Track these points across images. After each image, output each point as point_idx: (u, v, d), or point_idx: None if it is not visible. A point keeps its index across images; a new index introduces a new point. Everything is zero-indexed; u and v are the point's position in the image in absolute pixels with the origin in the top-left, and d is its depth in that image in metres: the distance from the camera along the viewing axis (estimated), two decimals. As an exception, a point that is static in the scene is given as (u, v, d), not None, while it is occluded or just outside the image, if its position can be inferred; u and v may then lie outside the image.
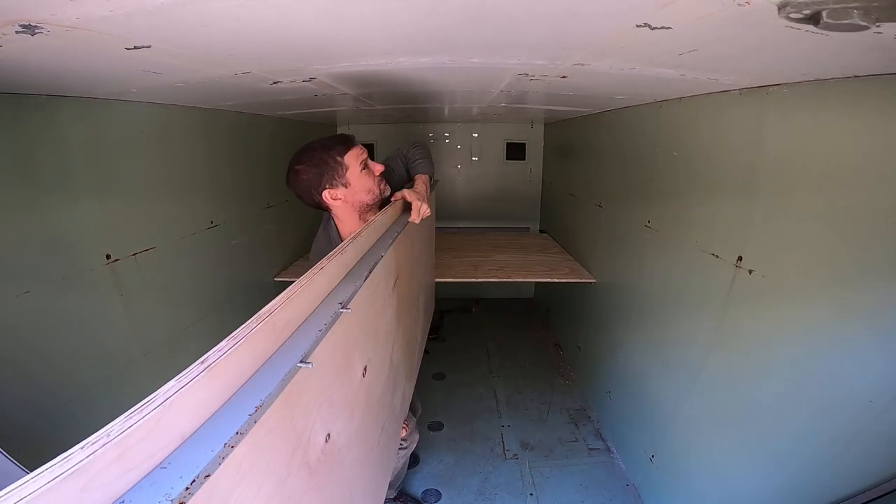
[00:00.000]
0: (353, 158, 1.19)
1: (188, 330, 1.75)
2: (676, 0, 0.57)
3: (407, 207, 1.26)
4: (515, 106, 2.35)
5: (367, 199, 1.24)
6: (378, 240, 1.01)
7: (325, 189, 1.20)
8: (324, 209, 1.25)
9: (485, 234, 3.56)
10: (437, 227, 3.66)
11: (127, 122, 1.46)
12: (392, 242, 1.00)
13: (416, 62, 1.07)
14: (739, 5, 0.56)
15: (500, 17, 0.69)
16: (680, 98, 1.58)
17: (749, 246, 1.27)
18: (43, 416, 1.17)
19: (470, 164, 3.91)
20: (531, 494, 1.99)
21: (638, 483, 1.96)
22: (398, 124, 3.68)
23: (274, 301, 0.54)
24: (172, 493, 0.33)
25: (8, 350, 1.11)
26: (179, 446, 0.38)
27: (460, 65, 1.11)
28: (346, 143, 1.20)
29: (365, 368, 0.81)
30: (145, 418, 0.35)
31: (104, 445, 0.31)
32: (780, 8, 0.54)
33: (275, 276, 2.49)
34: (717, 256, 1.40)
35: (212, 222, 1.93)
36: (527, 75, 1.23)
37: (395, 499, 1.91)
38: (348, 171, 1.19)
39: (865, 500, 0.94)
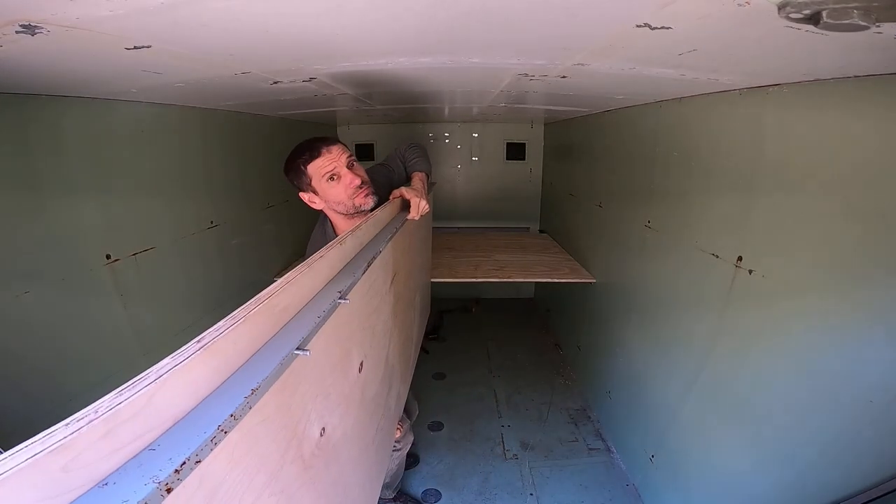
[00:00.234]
0: (315, 170, 1.14)
1: (188, 330, 1.74)
2: (676, 0, 0.57)
3: (405, 205, 1.26)
4: (515, 106, 2.35)
5: (339, 209, 1.20)
6: (376, 235, 1.01)
7: (300, 192, 1.20)
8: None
9: (485, 234, 3.56)
10: (437, 227, 3.68)
11: (127, 122, 1.46)
12: (390, 238, 1.00)
13: (416, 62, 1.07)
14: (739, 5, 0.56)
15: (500, 17, 0.69)
16: (680, 98, 1.58)
17: (749, 246, 1.27)
18: (43, 416, 1.16)
19: (470, 164, 3.91)
20: (531, 494, 1.99)
21: (638, 483, 1.96)
22: (398, 124, 3.68)
23: (273, 285, 0.54)
24: (160, 475, 0.31)
25: (8, 350, 1.11)
26: (171, 428, 0.36)
27: (460, 65, 1.11)
28: (314, 151, 1.14)
29: (361, 364, 0.81)
30: (135, 396, 0.33)
31: (90, 423, 0.29)
32: (780, 8, 0.54)
33: (275, 276, 2.49)
34: (717, 256, 1.40)
35: (212, 222, 1.93)
36: (527, 75, 1.23)
37: (394, 499, 1.91)
38: (312, 181, 1.16)
39: (865, 500, 0.94)
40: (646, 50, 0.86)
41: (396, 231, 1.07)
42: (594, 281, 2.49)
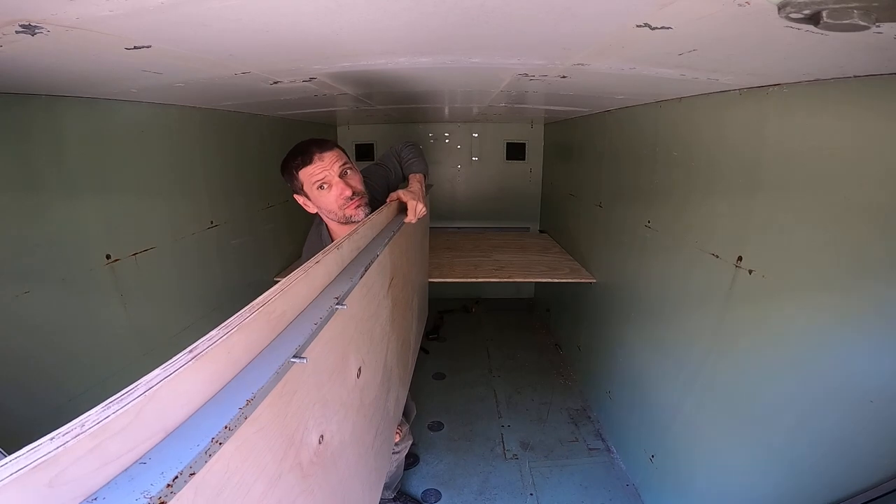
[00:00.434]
0: (307, 177, 1.12)
1: (188, 330, 1.74)
2: (676, 0, 0.57)
3: (402, 208, 1.25)
4: (515, 106, 2.35)
5: (330, 217, 1.19)
6: (374, 239, 1.00)
7: (294, 195, 1.19)
8: None
9: (485, 234, 3.56)
10: (436, 227, 3.68)
11: (127, 122, 1.46)
12: (387, 243, 0.99)
13: (416, 62, 1.07)
14: (739, 5, 0.56)
15: (500, 17, 0.69)
16: (680, 98, 1.58)
17: (749, 246, 1.27)
18: (43, 416, 1.16)
19: (470, 164, 3.91)
20: (531, 494, 1.99)
21: (638, 483, 1.96)
22: (398, 124, 3.68)
23: (269, 291, 0.53)
24: (152, 490, 0.30)
25: (8, 350, 1.11)
26: (162, 440, 0.35)
27: (460, 65, 1.11)
28: (306, 157, 1.11)
29: (359, 370, 0.80)
30: (125, 408, 0.32)
31: (77, 436, 0.28)
32: (780, 8, 0.54)
33: (275, 276, 2.49)
34: (717, 256, 1.40)
35: (212, 222, 1.93)
36: (527, 75, 1.23)
37: (394, 499, 1.91)
38: (304, 187, 1.15)
39: (865, 500, 0.94)
40: (646, 50, 0.86)
41: (393, 236, 1.06)
42: (594, 281, 2.49)
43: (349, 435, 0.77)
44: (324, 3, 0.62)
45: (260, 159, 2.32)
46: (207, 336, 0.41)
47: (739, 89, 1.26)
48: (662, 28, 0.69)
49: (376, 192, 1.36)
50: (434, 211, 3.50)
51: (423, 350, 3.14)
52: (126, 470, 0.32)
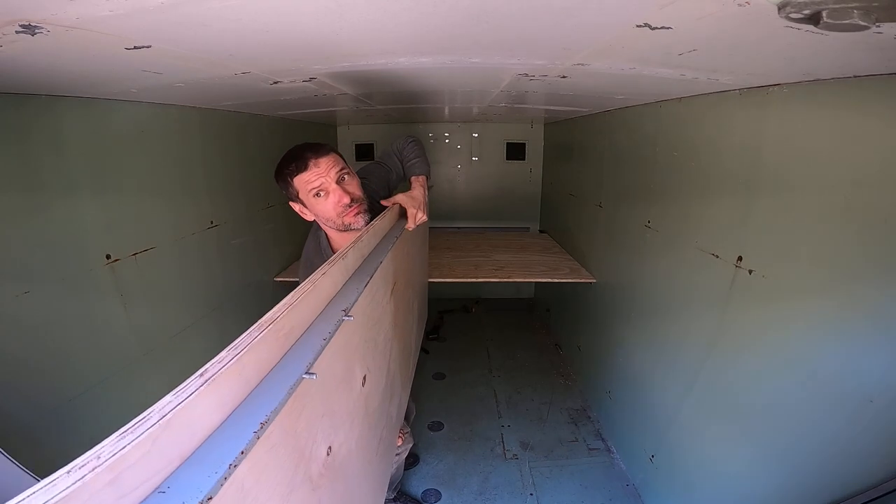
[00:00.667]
0: (302, 184, 1.07)
1: (188, 330, 1.75)
2: (676, 0, 0.57)
3: (404, 212, 1.24)
4: (515, 106, 2.35)
5: (329, 224, 1.15)
6: (376, 246, 0.99)
7: (290, 202, 1.16)
8: None
9: (485, 234, 3.56)
10: (436, 227, 3.68)
11: (127, 122, 1.46)
12: (390, 249, 0.98)
13: (416, 62, 1.07)
14: (739, 5, 0.56)
15: (500, 16, 0.69)
16: (680, 98, 1.58)
17: (749, 246, 1.27)
18: (43, 416, 1.17)
19: (470, 164, 3.91)
20: (531, 494, 1.99)
21: (638, 483, 1.96)
22: (398, 124, 3.68)
23: (276, 308, 0.52)
24: None
25: (8, 350, 1.11)
26: (179, 467, 0.35)
27: (460, 65, 1.10)
28: (300, 163, 1.07)
29: (364, 378, 0.80)
30: (140, 438, 0.31)
31: (94, 469, 0.28)
32: (780, 8, 0.54)
33: (275, 277, 2.49)
34: (717, 256, 1.40)
35: (212, 222, 1.93)
36: (527, 75, 1.23)
37: (394, 499, 1.91)
38: (300, 194, 1.10)
39: (865, 500, 0.94)
40: (646, 50, 0.86)
41: (395, 242, 1.04)
42: (594, 281, 2.49)
43: (355, 443, 0.76)
44: (324, 4, 0.62)
45: (260, 159, 2.32)
46: (217, 358, 0.41)
47: (739, 89, 1.26)
48: (662, 28, 0.69)
49: (376, 194, 1.33)
50: (434, 211, 3.50)
51: (424, 350, 3.14)
52: (145, 500, 0.32)
